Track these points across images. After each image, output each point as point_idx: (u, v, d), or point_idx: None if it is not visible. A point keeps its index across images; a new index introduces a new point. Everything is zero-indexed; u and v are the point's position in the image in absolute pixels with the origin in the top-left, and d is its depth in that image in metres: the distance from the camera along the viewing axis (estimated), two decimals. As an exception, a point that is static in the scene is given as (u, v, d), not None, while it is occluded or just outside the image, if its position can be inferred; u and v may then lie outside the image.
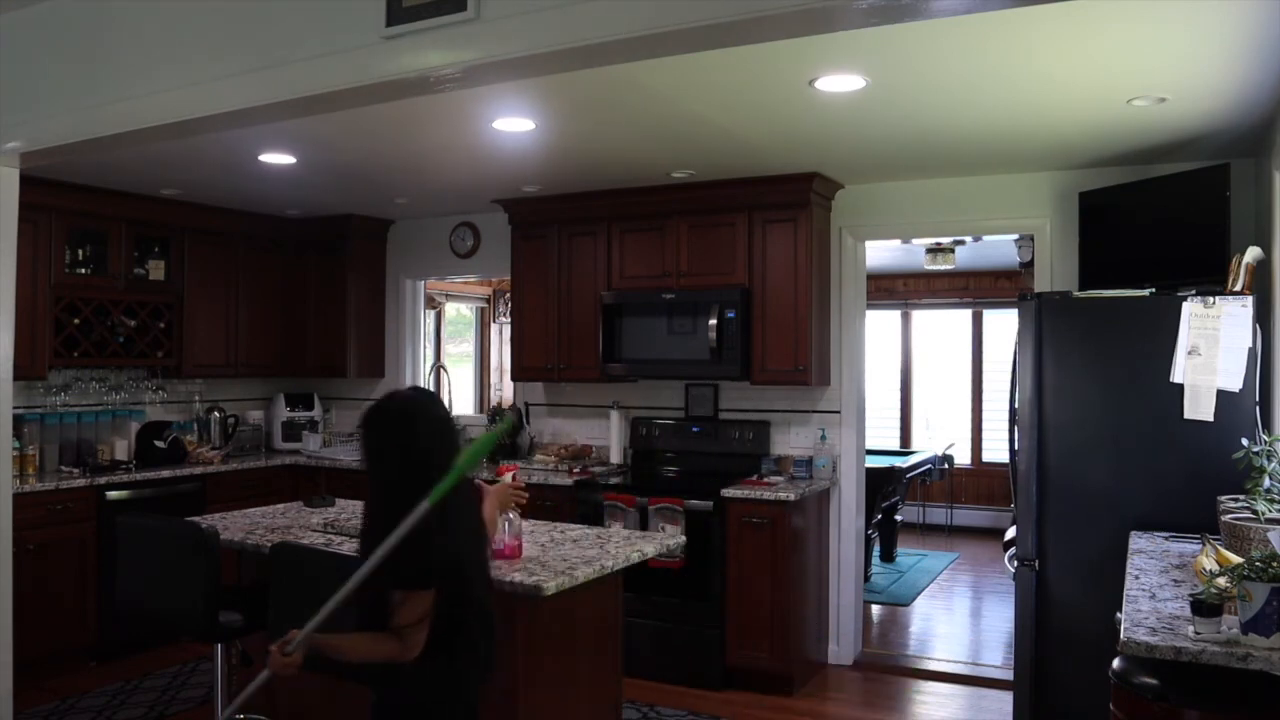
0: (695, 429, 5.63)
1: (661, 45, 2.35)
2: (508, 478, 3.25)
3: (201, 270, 6.10)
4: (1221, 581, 2.33)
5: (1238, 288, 3.63)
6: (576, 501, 5.25)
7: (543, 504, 5.24)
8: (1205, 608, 2.23)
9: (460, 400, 8.44)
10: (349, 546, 3.17)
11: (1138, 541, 3.39)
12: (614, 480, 5.35)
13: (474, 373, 9.40)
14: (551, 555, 3.29)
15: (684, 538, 4.15)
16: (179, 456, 5.84)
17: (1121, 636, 2.26)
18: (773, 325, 5.13)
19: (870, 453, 5.84)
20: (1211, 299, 3.59)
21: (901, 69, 3.29)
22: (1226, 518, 2.91)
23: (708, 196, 5.26)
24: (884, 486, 6.80)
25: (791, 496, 4.78)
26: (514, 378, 6.10)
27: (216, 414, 6.33)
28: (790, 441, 5.46)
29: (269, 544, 3.27)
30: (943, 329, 10.02)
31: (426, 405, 2.47)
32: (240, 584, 3.78)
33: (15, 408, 3.98)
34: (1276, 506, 2.89)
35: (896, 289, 10.02)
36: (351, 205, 6.23)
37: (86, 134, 3.25)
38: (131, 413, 5.90)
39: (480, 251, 6.44)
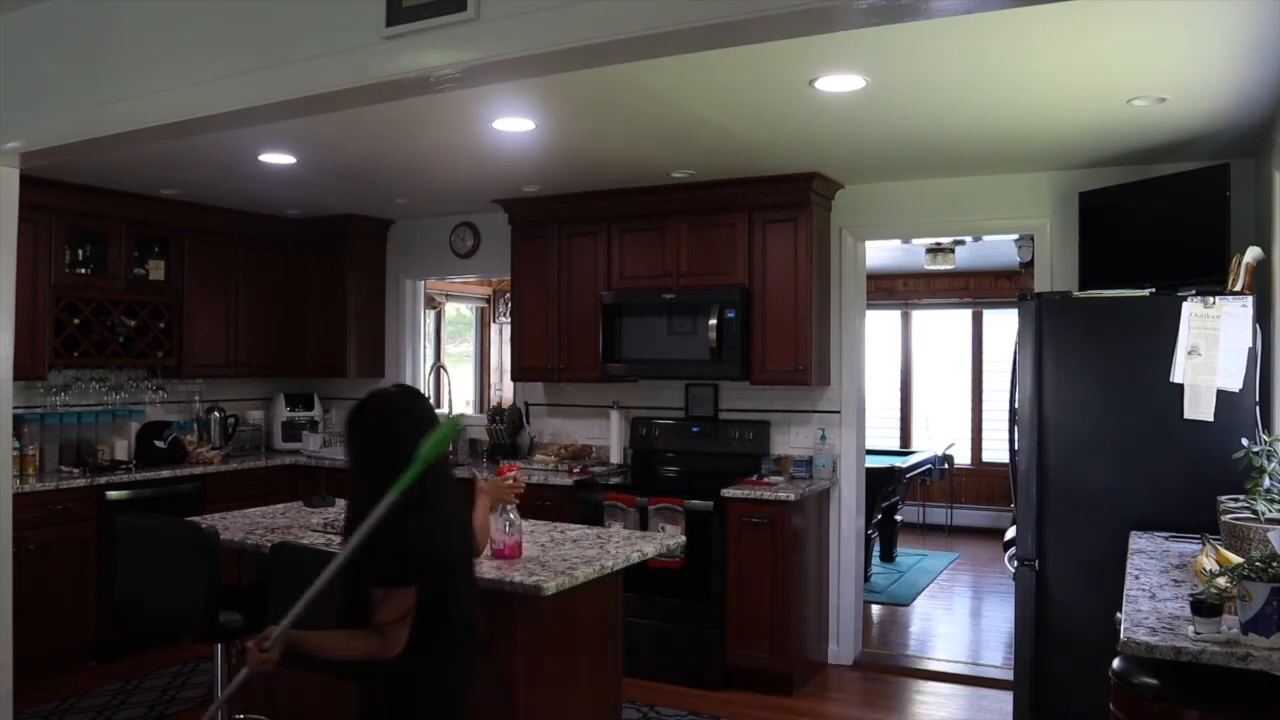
0: (695, 429, 5.63)
1: (661, 45, 2.34)
2: (508, 477, 3.25)
3: (201, 270, 6.10)
4: (1221, 581, 2.33)
5: (1238, 288, 3.63)
6: (576, 501, 5.25)
7: (543, 504, 5.25)
8: (1205, 608, 2.23)
9: (460, 400, 8.44)
10: (349, 546, 3.16)
11: (1138, 541, 3.39)
12: (614, 480, 5.35)
13: (474, 373, 9.40)
14: (551, 555, 3.29)
15: (684, 538, 4.15)
16: (179, 456, 5.85)
17: (1121, 636, 2.26)
18: (773, 325, 5.13)
19: (870, 453, 5.84)
20: (1211, 299, 3.59)
21: (901, 69, 3.29)
22: (1226, 518, 2.91)
23: (708, 196, 5.26)
24: (884, 486, 6.80)
25: (791, 496, 4.78)
26: (514, 378, 6.10)
27: (216, 414, 6.33)
28: (790, 441, 5.46)
29: (269, 544, 3.27)
30: (943, 329, 10.02)
31: (410, 403, 2.46)
32: (240, 584, 3.78)
33: (15, 408, 3.98)
34: (1276, 506, 2.89)
35: (896, 289, 10.02)
36: (351, 205, 6.23)
37: (86, 134, 3.24)
38: (131, 413, 5.90)
39: (480, 251, 6.44)
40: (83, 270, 5.51)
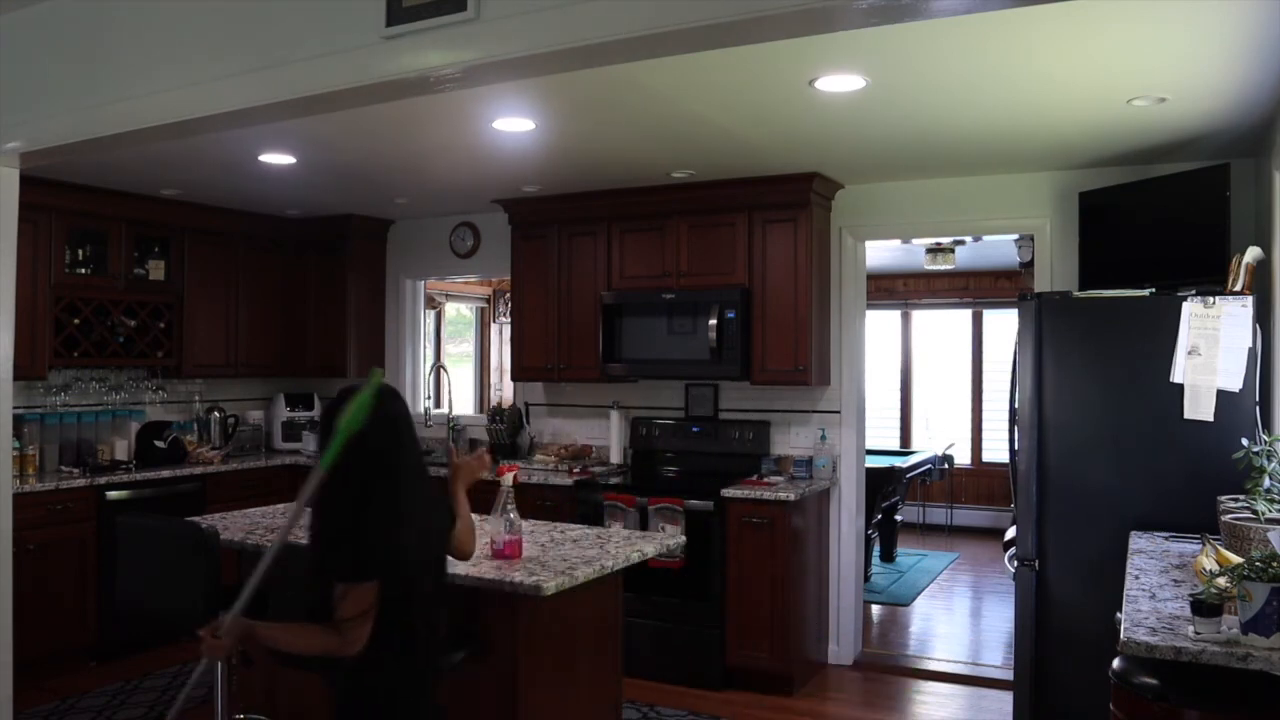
0: (695, 429, 5.63)
1: (661, 45, 2.34)
2: (509, 477, 3.25)
3: (201, 270, 6.10)
4: (1221, 581, 2.33)
5: (1238, 288, 3.63)
6: (576, 501, 5.25)
7: (543, 504, 5.25)
8: (1205, 608, 2.23)
9: (460, 400, 8.44)
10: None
11: (1138, 541, 3.39)
12: (614, 480, 5.35)
13: (474, 373, 9.41)
14: (551, 555, 3.29)
15: (684, 538, 4.15)
16: (179, 456, 5.85)
17: (1121, 636, 2.26)
18: (773, 325, 5.13)
19: (870, 453, 5.84)
20: (1211, 299, 3.59)
21: (901, 69, 3.29)
22: (1226, 518, 2.91)
23: (708, 196, 5.26)
24: (884, 486, 6.80)
25: (791, 496, 4.78)
26: (514, 378, 6.10)
27: (216, 414, 6.33)
28: (790, 441, 5.46)
29: (269, 544, 3.26)
30: (943, 329, 10.02)
31: (352, 389, 2.42)
32: (240, 584, 3.77)
33: (15, 408, 3.98)
34: (1276, 506, 2.89)
35: (896, 289, 10.02)
36: (351, 205, 6.23)
37: (86, 134, 3.24)
38: (131, 413, 5.90)
39: (480, 251, 6.44)
40: (83, 270, 5.51)
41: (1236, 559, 2.54)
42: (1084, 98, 3.58)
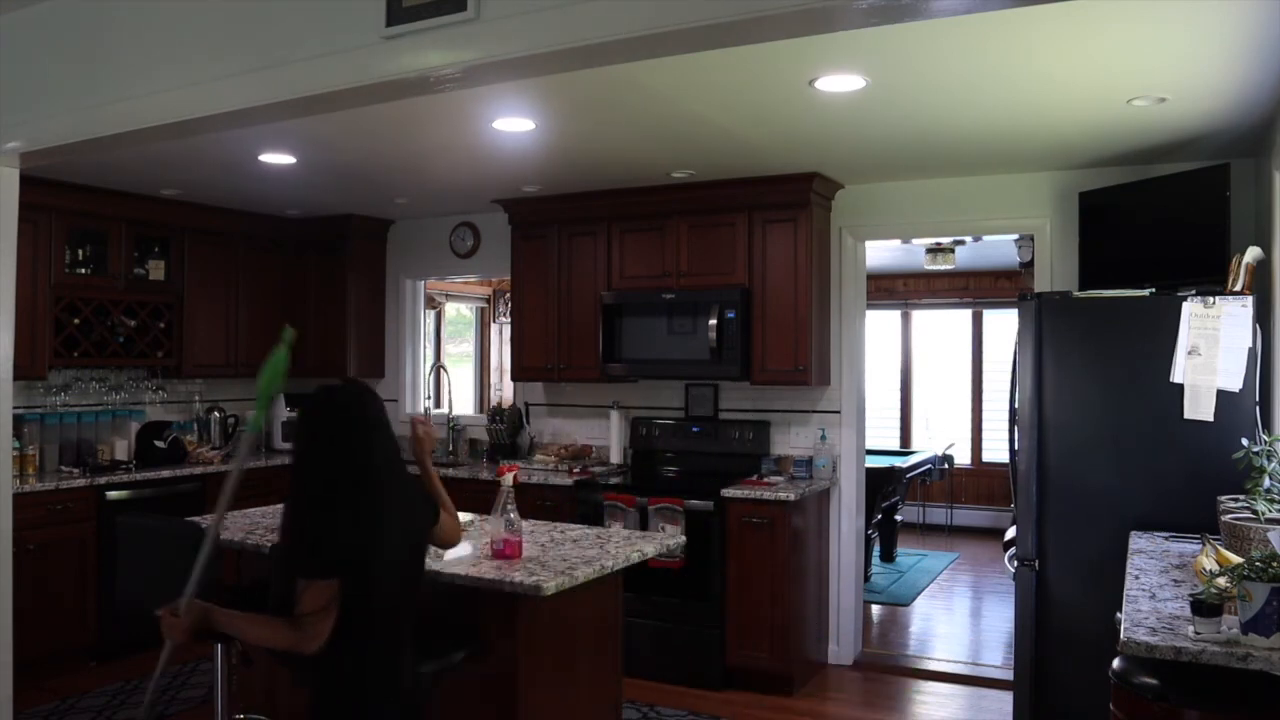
0: (695, 429, 5.63)
1: (661, 45, 2.34)
2: (509, 477, 3.25)
3: (201, 270, 6.10)
4: (1221, 581, 2.33)
5: (1238, 288, 3.63)
6: (576, 501, 5.25)
7: (543, 504, 5.25)
8: (1205, 608, 2.23)
9: (460, 400, 8.43)
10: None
11: (1138, 541, 3.39)
12: (614, 480, 5.35)
13: (474, 373, 9.40)
14: (551, 555, 3.29)
15: (684, 538, 4.15)
16: (179, 456, 5.85)
17: (1121, 636, 2.26)
18: (773, 325, 5.12)
19: (870, 453, 5.84)
20: (1211, 299, 3.59)
21: (901, 69, 3.29)
22: (1226, 518, 2.91)
23: (708, 196, 5.26)
24: (884, 486, 6.80)
25: (791, 496, 4.78)
26: (514, 378, 6.10)
27: (216, 414, 6.33)
28: (790, 441, 5.46)
29: (269, 544, 3.27)
30: (943, 329, 10.02)
31: (349, 401, 2.45)
32: (240, 584, 3.78)
33: (15, 408, 3.97)
34: (1276, 506, 2.89)
35: (896, 289, 10.02)
36: (351, 205, 6.23)
37: (86, 134, 3.24)
38: (131, 413, 5.90)
39: (480, 251, 6.44)
40: (83, 270, 5.51)
41: (1236, 559, 2.54)
42: (1084, 98, 3.58)
